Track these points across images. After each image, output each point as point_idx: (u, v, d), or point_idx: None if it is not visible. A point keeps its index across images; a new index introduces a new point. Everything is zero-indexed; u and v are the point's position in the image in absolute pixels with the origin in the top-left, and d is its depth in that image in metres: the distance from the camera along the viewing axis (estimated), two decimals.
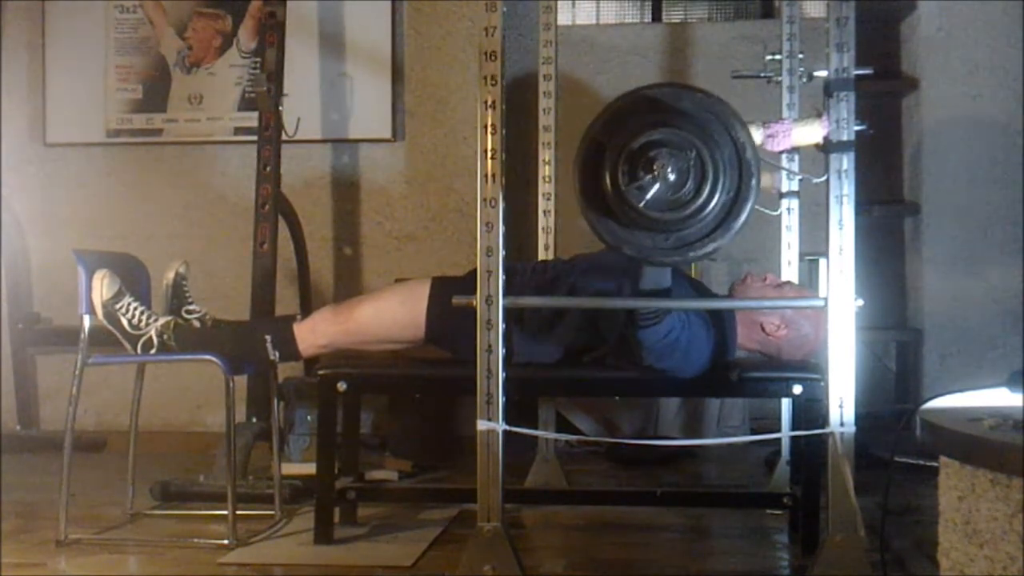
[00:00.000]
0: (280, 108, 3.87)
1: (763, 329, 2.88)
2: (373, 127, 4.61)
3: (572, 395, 3.96)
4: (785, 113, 3.29)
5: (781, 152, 2.52)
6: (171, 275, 3.03)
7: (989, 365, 4.11)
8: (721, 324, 2.80)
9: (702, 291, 3.04)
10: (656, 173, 2.16)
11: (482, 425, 2.40)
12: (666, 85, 2.68)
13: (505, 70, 2.42)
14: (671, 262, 2.37)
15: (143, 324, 2.95)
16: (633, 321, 2.59)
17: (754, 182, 2.24)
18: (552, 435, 3.43)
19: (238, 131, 4.61)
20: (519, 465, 3.33)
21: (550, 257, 3.56)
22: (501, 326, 2.39)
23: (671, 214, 2.21)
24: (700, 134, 2.21)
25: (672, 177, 2.17)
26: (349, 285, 4.60)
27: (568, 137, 3.73)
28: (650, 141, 2.19)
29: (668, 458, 4.01)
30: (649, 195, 2.17)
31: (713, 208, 2.22)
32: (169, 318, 2.98)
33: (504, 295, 2.40)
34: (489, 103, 2.39)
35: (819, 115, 2.38)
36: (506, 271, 2.42)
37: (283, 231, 3.96)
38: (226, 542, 2.82)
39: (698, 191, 2.20)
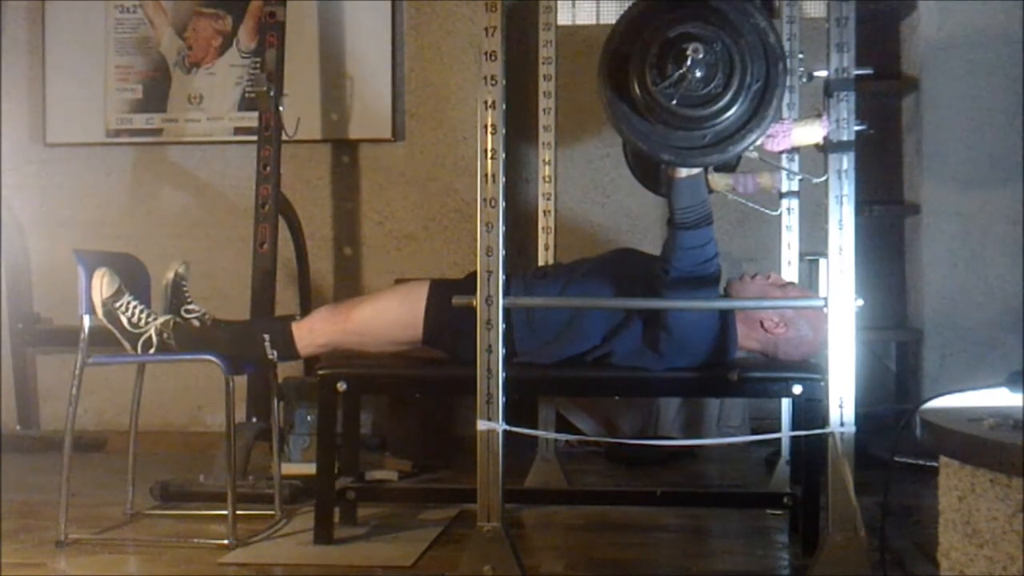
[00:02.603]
0: (280, 108, 3.87)
1: (762, 326, 2.88)
2: (373, 127, 4.61)
3: (572, 395, 3.96)
4: (785, 113, 3.29)
5: (781, 152, 2.52)
6: (171, 275, 3.04)
7: (989, 365, 4.10)
8: (723, 322, 2.80)
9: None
10: (687, 63, 2.15)
11: (482, 425, 2.40)
12: None
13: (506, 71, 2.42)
14: (713, 160, 2.36)
15: (143, 323, 2.95)
16: (673, 222, 2.62)
17: (781, 66, 2.24)
18: (552, 435, 3.42)
19: (238, 131, 4.61)
20: (519, 465, 3.33)
21: (550, 258, 3.56)
22: (501, 326, 2.39)
23: (704, 109, 2.20)
24: (722, 25, 2.21)
25: (700, 72, 2.17)
26: (349, 285, 4.60)
27: (568, 137, 3.75)
28: (674, 37, 2.18)
29: (668, 458, 4.00)
30: (680, 91, 2.16)
31: (745, 98, 2.22)
32: (169, 317, 2.98)
33: (504, 295, 2.40)
34: (489, 103, 2.39)
35: (819, 115, 2.38)
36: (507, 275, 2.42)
37: (283, 231, 3.96)
38: (226, 542, 2.82)
39: (727, 82, 2.19)
